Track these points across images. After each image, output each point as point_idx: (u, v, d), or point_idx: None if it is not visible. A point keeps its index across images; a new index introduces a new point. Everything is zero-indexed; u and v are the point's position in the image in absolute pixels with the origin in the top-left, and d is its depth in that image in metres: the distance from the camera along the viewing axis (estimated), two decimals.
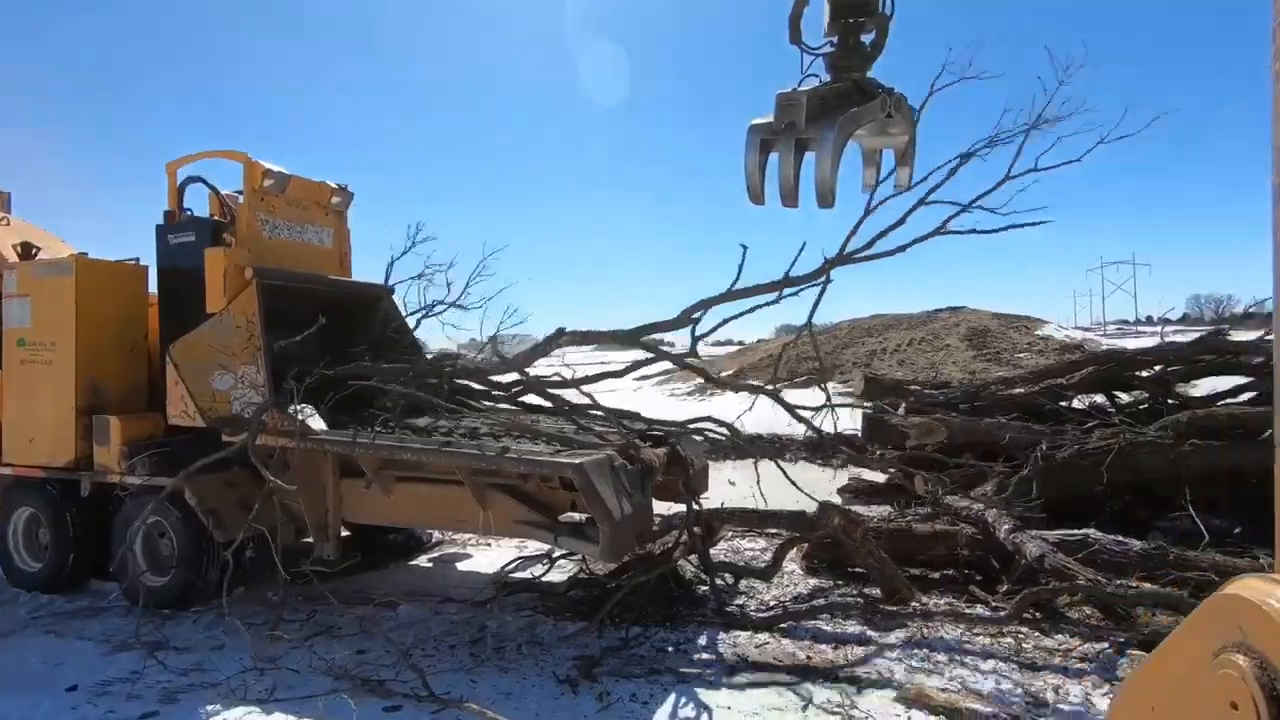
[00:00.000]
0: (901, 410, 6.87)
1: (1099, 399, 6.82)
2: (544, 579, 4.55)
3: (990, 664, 3.47)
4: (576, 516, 4.18)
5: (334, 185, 5.58)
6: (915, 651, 3.64)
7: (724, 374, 16.98)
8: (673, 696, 3.28)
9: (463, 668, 3.61)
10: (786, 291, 4.16)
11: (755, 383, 5.77)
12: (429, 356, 5.62)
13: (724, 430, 4.53)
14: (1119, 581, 4.11)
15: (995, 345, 15.18)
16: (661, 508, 4.85)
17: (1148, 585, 4.07)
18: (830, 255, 4.11)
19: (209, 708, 3.24)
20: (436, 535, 6.15)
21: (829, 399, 5.01)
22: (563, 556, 4.53)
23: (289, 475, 4.51)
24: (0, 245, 6.14)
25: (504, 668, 3.60)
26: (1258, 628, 0.69)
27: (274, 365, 4.44)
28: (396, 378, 4.40)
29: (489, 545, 5.89)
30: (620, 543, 3.69)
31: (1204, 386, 6.76)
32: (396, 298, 5.83)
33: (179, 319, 4.69)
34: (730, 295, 4.07)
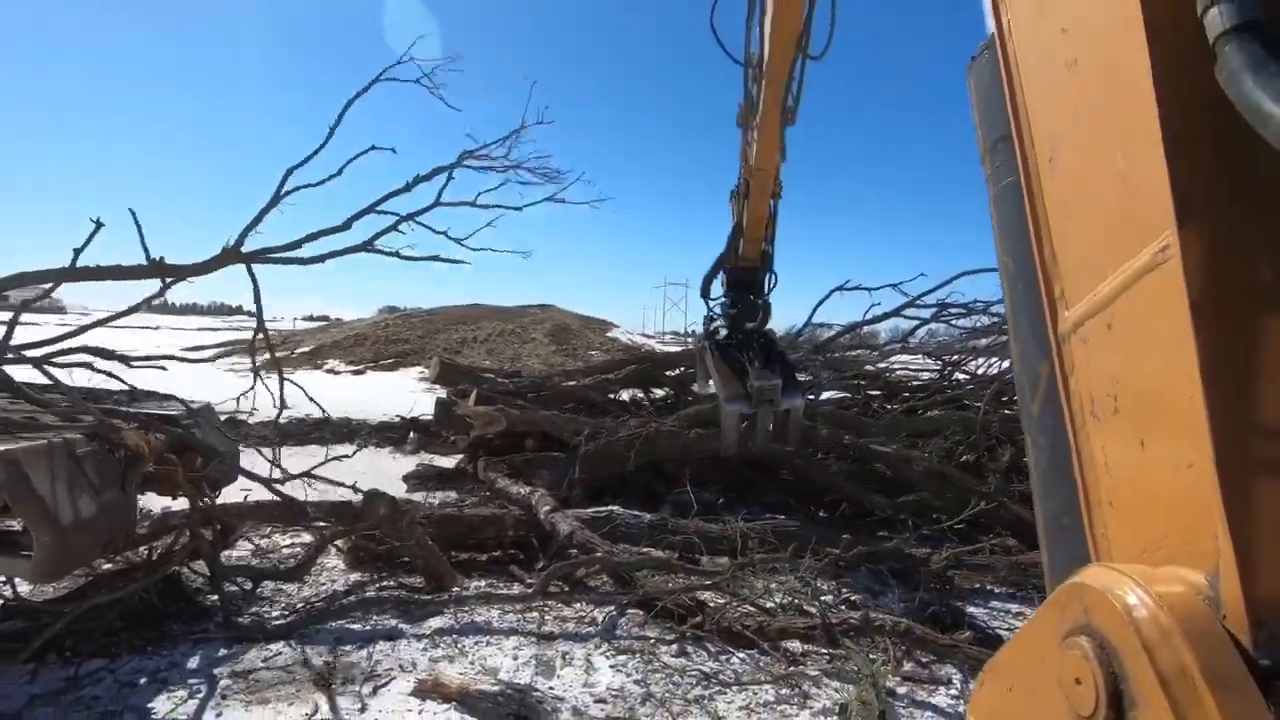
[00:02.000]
0: (473, 398, 6.94)
1: (639, 394, 7.95)
2: None
3: (513, 640, 3.62)
4: (15, 525, 3.11)
5: None
6: (444, 639, 3.60)
7: (300, 351, 15.21)
8: None
9: None
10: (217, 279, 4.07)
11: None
12: None
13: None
14: (634, 550, 4.76)
15: (574, 342, 16.76)
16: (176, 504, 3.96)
17: (654, 551, 4.80)
18: (230, 247, 4.11)
19: None
20: None
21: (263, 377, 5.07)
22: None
23: None
24: None
25: None
26: (1099, 612, 0.75)
27: None
28: None
29: None
30: (68, 555, 2.82)
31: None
32: None
33: None
34: (66, 274, 3.45)
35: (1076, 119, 0.98)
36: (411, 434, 8.28)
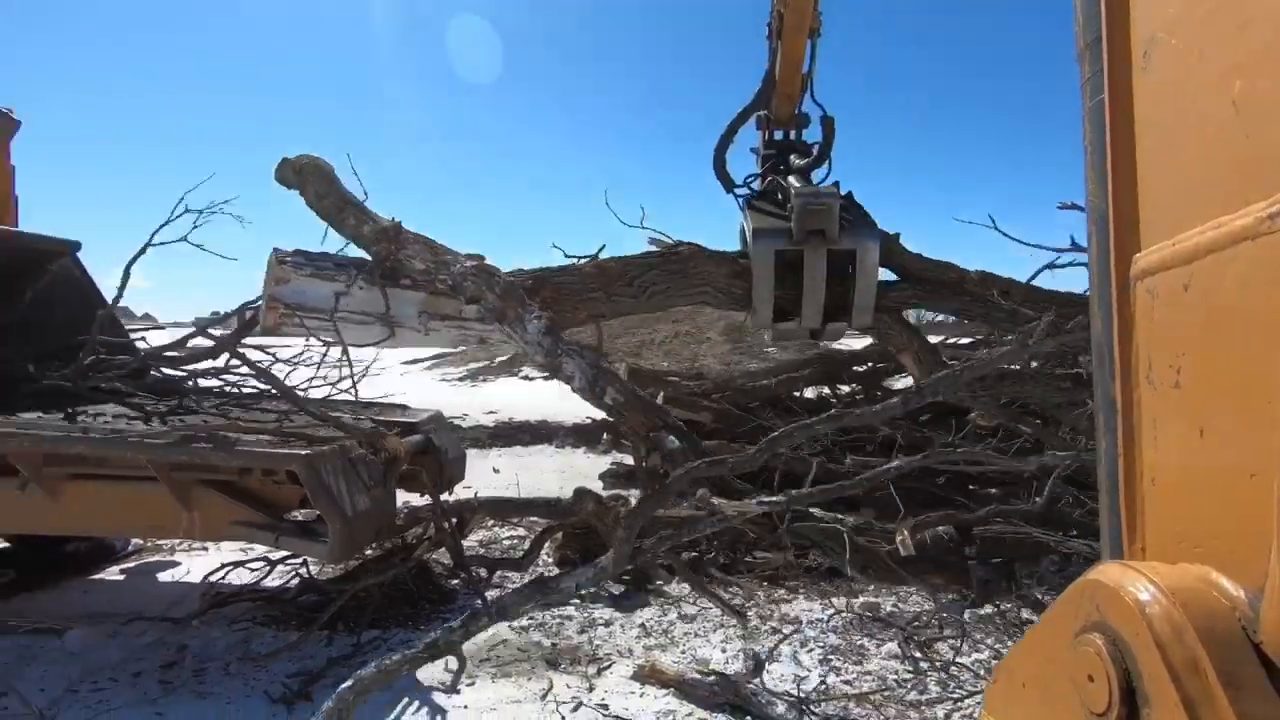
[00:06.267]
0: (659, 399, 7.20)
1: (825, 390, 7.79)
2: (270, 584, 4.03)
3: (720, 634, 3.74)
4: (303, 515, 3.76)
5: None
6: (655, 629, 3.81)
7: (499, 358, 16.66)
8: (405, 701, 3.08)
9: (147, 699, 3.05)
10: None
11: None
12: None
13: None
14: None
15: (750, 340, 16.70)
16: (417, 500, 4.56)
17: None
18: None
19: None
20: (137, 541, 5.19)
21: None
22: (284, 560, 4.04)
23: None
24: None
25: (203, 693, 3.11)
26: (1112, 609, 0.75)
27: None
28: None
29: (204, 550, 5.10)
30: (352, 541, 3.36)
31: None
32: (82, 257, 4.82)
33: None
34: None
35: (1187, 9, 0.79)
36: (605, 435, 8.75)
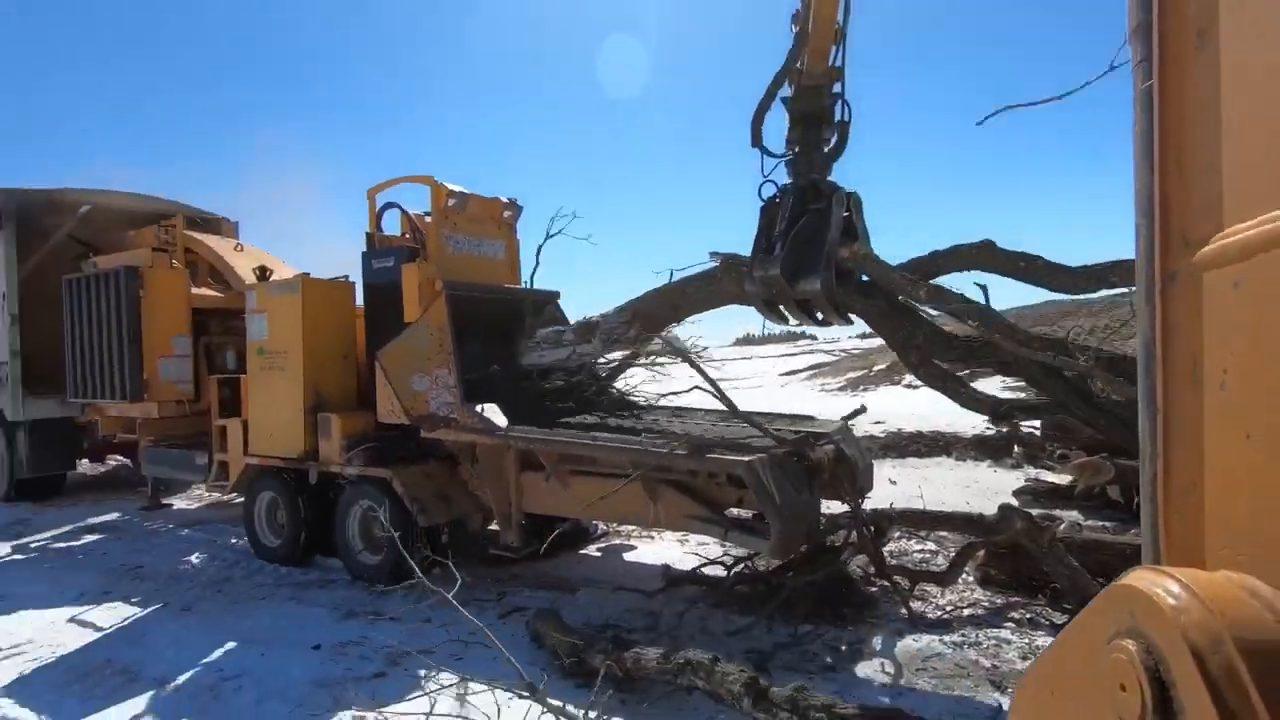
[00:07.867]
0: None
1: None
2: (707, 572, 4.69)
3: None
4: (743, 512, 4.28)
5: (505, 200, 6.05)
6: None
7: (877, 367, 16.30)
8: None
9: None
10: None
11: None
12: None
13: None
14: None
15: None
16: (829, 506, 4.83)
17: None
18: None
19: (426, 672, 3.66)
20: (602, 526, 6.48)
21: None
22: (745, 559, 4.62)
23: (478, 468, 4.99)
24: (240, 269, 7.26)
25: None
26: (1146, 615, 0.73)
27: (463, 368, 4.94)
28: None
29: (652, 538, 6.13)
30: (789, 540, 3.73)
31: None
32: (561, 303, 6.27)
33: (383, 329, 5.31)
34: None
35: None
36: (1015, 449, 7.97)
